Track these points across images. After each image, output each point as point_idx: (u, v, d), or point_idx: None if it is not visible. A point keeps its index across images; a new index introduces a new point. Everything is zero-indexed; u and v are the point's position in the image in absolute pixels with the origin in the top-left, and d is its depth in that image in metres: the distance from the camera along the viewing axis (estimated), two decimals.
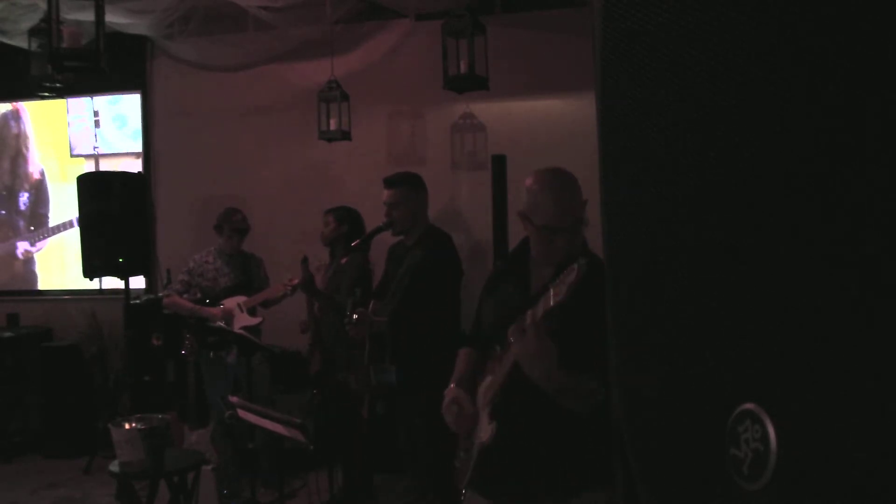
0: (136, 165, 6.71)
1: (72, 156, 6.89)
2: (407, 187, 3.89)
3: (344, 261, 4.64)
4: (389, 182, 3.93)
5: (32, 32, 5.14)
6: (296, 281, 4.84)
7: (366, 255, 4.60)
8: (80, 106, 6.82)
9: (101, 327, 6.48)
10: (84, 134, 6.87)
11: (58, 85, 5.24)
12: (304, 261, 4.48)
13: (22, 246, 7.03)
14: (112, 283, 6.26)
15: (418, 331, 3.68)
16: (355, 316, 3.74)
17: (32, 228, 7.01)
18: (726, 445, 0.63)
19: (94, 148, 6.84)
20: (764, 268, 0.60)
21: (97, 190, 5.64)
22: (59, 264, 6.93)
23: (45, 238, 6.99)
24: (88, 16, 4.23)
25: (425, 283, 3.70)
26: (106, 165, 6.80)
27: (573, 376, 2.00)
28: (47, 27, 4.09)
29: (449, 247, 3.93)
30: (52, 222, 6.97)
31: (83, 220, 5.71)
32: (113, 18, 5.12)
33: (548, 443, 2.12)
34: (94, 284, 6.32)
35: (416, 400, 3.72)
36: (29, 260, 7.04)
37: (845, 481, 0.53)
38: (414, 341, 3.68)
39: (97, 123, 6.82)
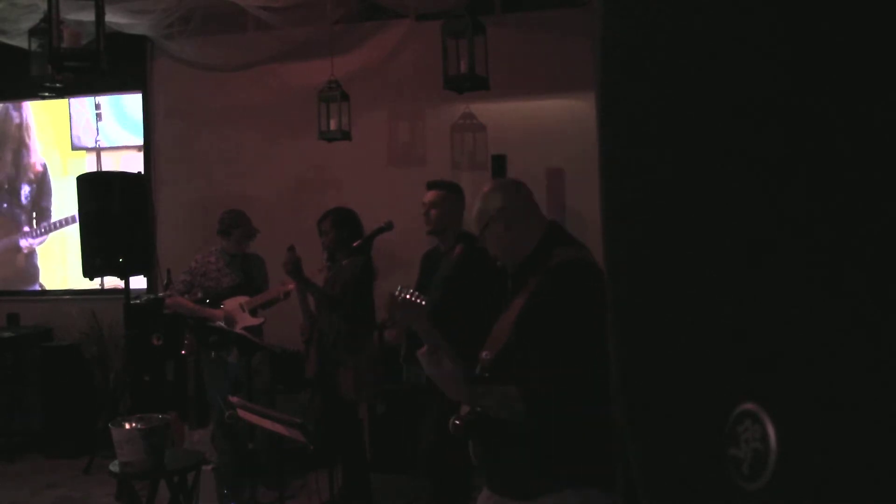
0: (138, 158, 6.70)
1: (73, 149, 6.89)
2: (447, 191, 4.08)
3: (345, 262, 4.62)
4: (431, 184, 4.13)
5: (32, 32, 5.13)
6: (291, 286, 4.81)
7: (369, 255, 4.57)
8: (83, 100, 6.81)
9: (101, 327, 6.48)
10: (86, 127, 6.87)
11: (58, 85, 5.24)
12: (291, 248, 4.48)
13: (23, 240, 7.03)
14: (112, 282, 6.26)
15: (457, 329, 3.66)
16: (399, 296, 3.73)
17: (35, 222, 7.01)
18: (726, 445, 0.63)
19: (97, 141, 6.84)
20: (766, 267, 0.60)
21: (97, 190, 5.65)
22: (60, 259, 6.93)
23: (47, 232, 6.98)
24: (88, 16, 4.23)
25: (463, 280, 3.73)
26: (108, 158, 6.80)
27: (485, 388, 2.10)
28: (47, 27, 4.09)
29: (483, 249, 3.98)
30: (54, 216, 6.97)
31: (83, 220, 5.71)
32: (113, 18, 5.11)
33: (488, 446, 2.18)
34: (94, 284, 6.31)
35: (440, 399, 3.72)
36: (30, 254, 7.03)
37: (845, 481, 0.53)
38: (452, 341, 3.67)
39: (99, 117, 6.83)
